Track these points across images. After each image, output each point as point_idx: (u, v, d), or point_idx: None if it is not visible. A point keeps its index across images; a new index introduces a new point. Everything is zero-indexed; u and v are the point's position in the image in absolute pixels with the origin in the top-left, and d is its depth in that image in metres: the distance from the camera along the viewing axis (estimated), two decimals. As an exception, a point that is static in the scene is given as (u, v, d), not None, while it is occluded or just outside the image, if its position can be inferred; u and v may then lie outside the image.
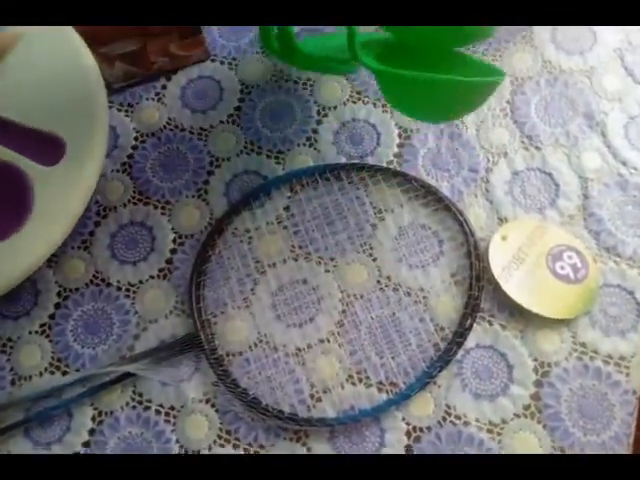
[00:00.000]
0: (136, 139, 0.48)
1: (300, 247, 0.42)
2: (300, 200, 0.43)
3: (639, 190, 0.39)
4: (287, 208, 0.43)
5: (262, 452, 0.38)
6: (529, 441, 0.36)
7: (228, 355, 0.41)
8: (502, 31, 0.45)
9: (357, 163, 0.43)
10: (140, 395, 0.41)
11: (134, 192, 0.46)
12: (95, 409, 0.41)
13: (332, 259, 0.42)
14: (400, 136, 0.44)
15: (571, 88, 0.43)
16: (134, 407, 0.41)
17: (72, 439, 0.40)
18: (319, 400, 0.39)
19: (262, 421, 0.39)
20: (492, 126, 0.43)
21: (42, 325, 0.43)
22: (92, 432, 0.40)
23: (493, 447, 0.36)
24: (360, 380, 0.39)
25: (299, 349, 0.40)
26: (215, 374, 0.40)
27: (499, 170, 0.42)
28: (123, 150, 0.48)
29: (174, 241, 0.44)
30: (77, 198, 0.41)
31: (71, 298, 0.44)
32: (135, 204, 0.46)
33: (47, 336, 0.43)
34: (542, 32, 0.44)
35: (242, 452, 0.38)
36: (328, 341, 0.40)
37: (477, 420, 0.37)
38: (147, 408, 0.40)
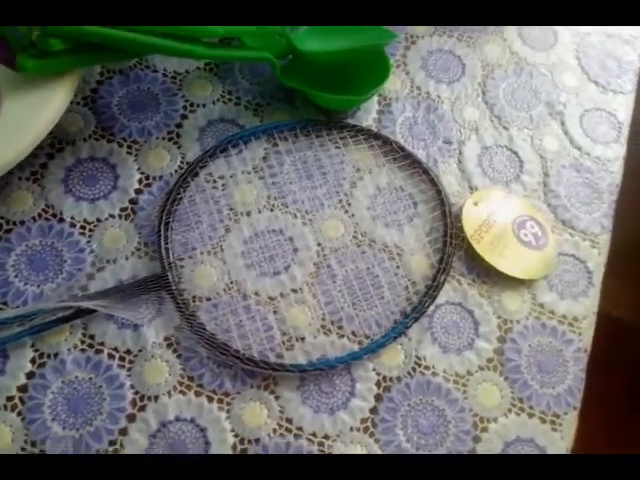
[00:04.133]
0: (102, 74, 0.45)
1: (276, 198, 0.42)
2: (279, 152, 0.43)
3: (591, 173, 0.44)
4: (265, 158, 0.43)
5: (227, 400, 0.36)
6: (491, 392, 0.38)
7: (195, 300, 0.39)
8: (475, 22, 0.48)
9: (340, 121, 0.44)
10: (92, 337, 0.37)
11: (96, 127, 0.43)
12: (36, 350, 0.37)
13: (308, 212, 0.42)
14: (380, 103, 0.45)
15: (535, 79, 0.47)
16: (83, 350, 0.37)
17: (6, 382, 0.36)
18: (290, 348, 0.38)
19: (228, 368, 0.37)
20: (465, 104, 0.45)
21: (-23, 258, 0.39)
22: (31, 375, 0.36)
23: (458, 397, 0.37)
24: (333, 330, 0.38)
25: (271, 297, 0.39)
26: (181, 317, 0.38)
27: (471, 144, 0.44)
28: (86, 83, 0.44)
29: (140, 181, 0.42)
30: (41, 118, 0.37)
31: (15, 231, 0.40)
32: (97, 140, 0.43)
33: (-17, 270, 0.38)
34: (511, 28, 0.48)
35: (205, 399, 0.36)
36: (302, 291, 0.39)
37: (444, 371, 0.38)
38: (99, 351, 0.37)
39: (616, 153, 0.44)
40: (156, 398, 0.36)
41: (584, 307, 0.40)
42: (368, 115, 0.45)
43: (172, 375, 0.37)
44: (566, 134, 0.45)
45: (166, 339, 0.38)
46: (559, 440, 0.37)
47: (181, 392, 0.37)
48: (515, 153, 0.44)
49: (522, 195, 0.43)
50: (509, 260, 0.40)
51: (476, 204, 0.41)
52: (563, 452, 0.36)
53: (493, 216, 0.41)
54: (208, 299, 0.39)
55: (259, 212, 0.41)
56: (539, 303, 0.40)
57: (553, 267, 0.40)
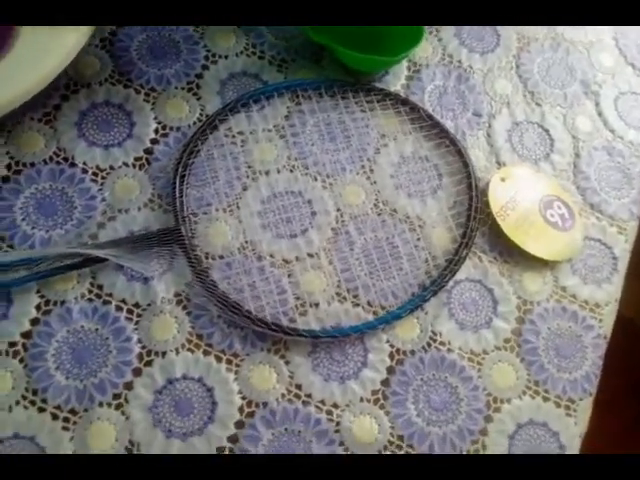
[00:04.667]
0: (122, 17, 0.43)
1: (297, 159, 0.40)
2: (302, 111, 0.41)
3: (622, 157, 0.42)
4: (287, 117, 0.41)
5: (236, 361, 0.35)
6: (507, 372, 0.37)
7: (208, 257, 0.37)
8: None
9: (367, 84, 0.42)
10: (100, 288, 0.36)
11: (113, 72, 0.41)
12: (42, 297, 0.35)
13: (329, 176, 0.40)
14: (409, 69, 0.43)
15: (571, 56, 0.45)
16: (91, 300, 0.36)
17: (9, 328, 0.35)
18: (304, 313, 0.37)
19: (239, 329, 0.36)
20: (498, 76, 0.44)
21: (-17, 198, 0.37)
22: (35, 322, 0.35)
23: (473, 375, 0.36)
24: (348, 298, 0.37)
25: (286, 260, 0.38)
26: (193, 274, 0.36)
27: (501, 118, 0.43)
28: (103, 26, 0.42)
29: (156, 131, 0.40)
30: (56, 54, 0.35)
31: (24, 173, 0.38)
32: (113, 84, 0.41)
33: (-12, 211, 0.37)
34: (550, 1, 0.47)
35: (213, 359, 0.35)
36: (318, 256, 0.38)
37: (460, 348, 0.37)
38: (107, 302, 0.36)
39: (650, 139, 0.43)
40: (163, 354, 0.35)
41: (607, 293, 0.39)
42: (397, 80, 0.43)
43: (181, 332, 0.36)
44: (600, 115, 0.43)
45: (176, 295, 0.36)
46: (573, 426, 0.36)
47: (189, 350, 0.35)
48: (546, 131, 0.43)
49: (551, 175, 0.41)
50: (534, 240, 0.38)
51: (503, 180, 0.40)
52: (576, 438, 0.36)
53: (520, 194, 0.40)
54: (221, 257, 0.37)
55: (278, 172, 0.40)
56: (561, 286, 0.39)
57: (578, 250, 0.39)
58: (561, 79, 0.44)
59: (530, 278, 0.39)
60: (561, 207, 0.40)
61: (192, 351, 0.35)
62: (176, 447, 0.33)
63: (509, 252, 0.39)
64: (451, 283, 0.38)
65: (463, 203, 0.40)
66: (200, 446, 0.34)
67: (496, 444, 0.35)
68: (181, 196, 0.38)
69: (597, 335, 0.38)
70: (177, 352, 0.35)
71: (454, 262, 0.38)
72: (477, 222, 0.39)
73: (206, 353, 0.35)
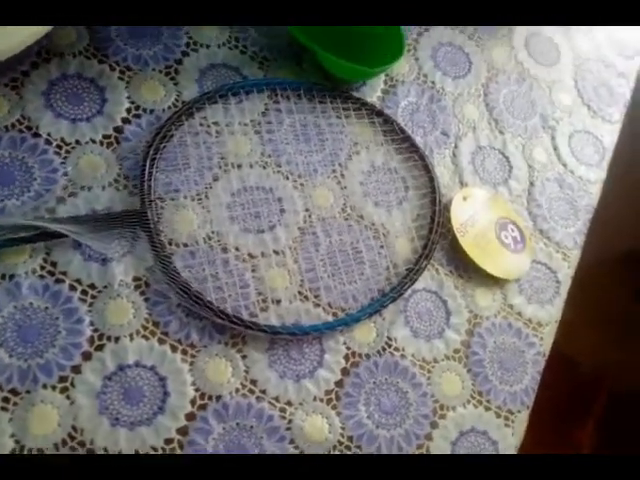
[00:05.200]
0: (102, -9, 0.42)
1: (270, 156, 0.40)
2: (280, 110, 0.42)
3: (572, 190, 0.45)
4: (264, 113, 0.41)
5: (192, 352, 0.35)
6: (454, 381, 0.38)
7: (172, 244, 0.37)
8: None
9: (344, 92, 0.43)
10: (53, 265, 0.35)
11: (89, 45, 0.40)
12: (-11, 268, 0.34)
13: (301, 176, 0.40)
14: (386, 83, 0.45)
15: (534, 91, 0.48)
16: (42, 277, 0.34)
17: (-52, 298, 0.32)
18: (265, 309, 0.37)
19: (197, 319, 0.35)
20: (467, 101, 0.46)
21: None
22: (-21, 294, 0.33)
23: (423, 382, 0.38)
24: (310, 298, 0.38)
25: (252, 255, 0.38)
26: (155, 259, 0.35)
27: (467, 140, 0.45)
28: (84, -4, 0.41)
29: (128, 111, 0.39)
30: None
31: (-18, 137, 0.36)
32: (88, 58, 0.40)
33: (-62, 172, 0.34)
34: (519, 37, 0.50)
35: (169, 348, 0.35)
36: (284, 254, 0.38)
37: (413, 355, 0.38)
38: (60, 281, 0.34)
39: (597, 176, 0.46)
40: (117, 339, 0.34)
41: (548, 314, 0.41)
42: (373, 92, 0.44)
43: (137, 318, 0.35)
44: (555, 149, 0.46)
45: (135, 279, 0.35)
46: (510, 436, 0.38)
47: (144, 337, 0.34)
48: (507, 158, 0.45)
49: (507, 199, 0.44)
50: (488, 258, 0.41)
51: (465, 199, 0.42)
52: (512, 448, 0.38)
53: (479, 214, 0.42)
54: (186, 245, 0.37)
55: (250, 167, 0.40)
56: (509, 304, 0.41)
57: (526, 272, 0.42)
58: (523, 111, 0.47)
59: (481, 294, 0.41)
60: (514, 230, 0.42)
61: (147, 338, 0.34)
62: (122, 436, 0.32)
63: (464, 267, 0.41)
64: (409, 292, 0.39)
65: (426, 217, 0.41)
66: (148, 437, 0.33)
67: (439, 449, 0.36)
68: (150, 179, 0.37)
69: (537, 352, 0.40)
70: (131, 338, 0.34)
71: (414, 271, 0.39)
72: (438, 235, 0.40)
73: (161, 341, 0.35)
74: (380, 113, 0.43)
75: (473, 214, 0.41)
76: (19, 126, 0.37)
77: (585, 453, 0.92)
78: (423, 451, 0.36)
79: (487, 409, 0.38)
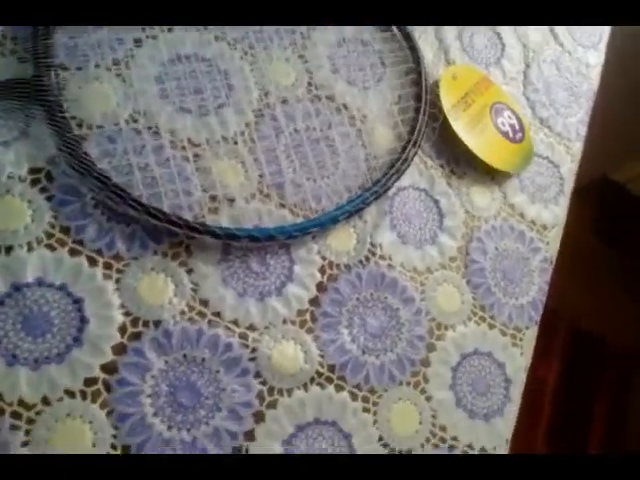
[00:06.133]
0: None
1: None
2: (222, -40, 0.32)
3: (570, 74, 0.39)
4: (202, -35, 0.32)
5: (118, 265, 0.26)
6: (452, 295, 0.31)
7: (82, 126, 0.27)
8: None
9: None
10: None
11: None
12: None
13: (252, 47, 0.31)
14: (352, -61, 0.36)
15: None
16: None
17: None
18: (214, 211, 0.28)
19: (123, 224, 0.26)
20: (449, -32, 0.38)
21: None
22: None
23: (415, 296, 0.30)
24: (272, 197, 0.29)
25: (192, 142, 0.29)
26: (59, 145, 0.26)
27: (452, 12, 0.37)
28: None
29: (12, -50, 0.29)
30: None
31: None
32: None
33: None
34: None
35: (85, 261, 0.25)
36: (235, 142, 0.29)
37: (402, 265, 0.31)
38: None
39: (596, 60, 0.40)
40: (8, 250, 0.25)
41: (553, 215, 0.35)
42: (338, -51, 0.35)
43: (36, 222, 0.25)
44: (551, 30, 0.39)
45: (32, 172, 0.26)
46: (518, 356, 0.32)
47: (49, 247, 0.25)
48: (498, 34, 0.38)
49: (501, 82, 0.37)
50: (485, 145, 0.33)
51: (455, 78, 0.34)
52: (521, 370, 0.31)
53: (471, 96, 0.34)
54: (101, 127, 0.27)
55: (185, 30, 0.30)
56: (509, 203, 0.34)
57: (527, 164, 0.35)
58: (512, -17, 0.40)
59: (478, 192, 0.34)
60: (511, 117, 0.35)
61: (53, 248, 0.25)
62: (23, 378, 0.23)
63: (456, 160, 0.33)
64: (394, 189, 0.32)
65: (409, 98, 0.33)
66: (59, 377, 0.24)
67: (438, 375, 0.30)
68: (46, 39, 0.27)
69: (544, 258, 0.34)
70: (30, 248, 0.25)
71: (400, 161, 0.31)
72: (427, 117, 0.33)
73: (74, 252, 0.25)
74: (349, -29, 0.34)
75: (465, 96, 0.34)
76: None
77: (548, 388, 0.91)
78: (420, 379, 0.29)
79: (491, 327, 0.32)
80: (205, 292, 0.27)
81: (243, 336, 0.27)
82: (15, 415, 0.23)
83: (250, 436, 0.26)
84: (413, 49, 0.34)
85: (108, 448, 0.24)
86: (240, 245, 0.28)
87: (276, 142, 0.30)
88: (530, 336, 0.32)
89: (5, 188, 0.25)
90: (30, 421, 0.23)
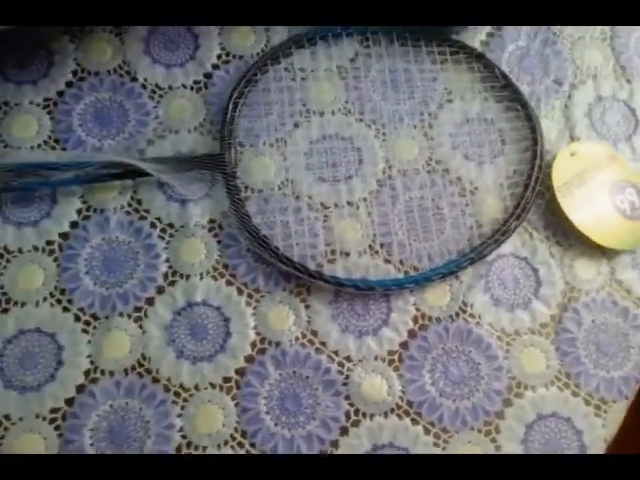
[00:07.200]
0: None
1: (354, 104, 0.39)
2: (369, 55, 0.39)
3: None
4: (353, 60, 0.39)
5: (256, 296, 0.35)
6: (537, 358, 0.34)
7: (247, 189, 0.37)
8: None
9: (442, 34, 0.39)
10: (139, 202, 0.37)
11: (187, -7, 0.41)
12: (84, 202, 0.36)
13: (385, 126, 0.38)
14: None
15: (680, 32, 0.40)
16: (128, 213, 0.36)
17: (49, 226, 0.36)
18: (332, 261, 0.36)
19: (265, 265, 0.35)
20: (588, 45, 0.40)
21: (47, 100, 0.38)
22: (74, 225, 0.36)
23: (499, 354, 0.34)
24: (381, 254, 0.36)
25: (324, 205, 0.37)
26: (230, 203, 0.36)
27: (585, 90, 0.39)
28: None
29: (219, 57, 0.40)
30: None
31: (87, 81, 0.39)
32: (185, 6, 0.41)
33: (49, 112, 0.38)
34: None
35: (235, 290, 0.35)
36: (357, 206, 0.37)
37: (490, 324, 0.35)
38: (143, 218, 0.36)
39: None
40: (188, 277, 0.35)
41: (667, 295, 0.35)
42: (476, 35, 0.40)
43: (208, 258, 0.36)
44: (698, 102, 0.38)
45: (210, 221, 0.36)
46: (600, 427, 0.33)
47: (213, 277, 0.35)
48: (632, 111, 0.38)
49: (629, 158, 0.37)
50: (597, 223, 0.35)
51: (573, 155, 0.37)
52: (600, 440, 0.33)
53: (589, 173, 0.36)
54: (260, 191, 0.37)
55: (332, 114, 0.38)
56: (617, 279, 0.35)
57: (643, 244, 0.36)
58: (662, 56, 0.39)
59: (583, 265, 0.36)
60: (633, 194, 0.36)
61: (215, 279, 0.35)
62: (185, 369, 0.34)
63: (564, 233, 0.36)
64: (493, 256, 0.35)
65: (523, 173, 0.37)
66: (208, 373, 0.34)
67: (511, 429, 0.33)
68: (231, 123, 0.37)
69: (647, 338, 0.34)
70: (201, 277, 0.35)
71: (500, 232, 0.35)
72: (534, 194, 0.36)
73: (229, 283, 0.35)
74: (480, 57, 0.39)
75: (582, 172, 0.36)
76: (120, 70, 0.39)
77: None
78: (491, 428, 0.33)
79: (575, 394, 0.34)
80: (316, 325, 0.35)
81: (340, 364, 0.34)
82: (176, 394, 0.33)
83: (335, 444, 0.33)
84: (533, 127, 0.37)
85: (232, 430, 0.33)
86: (347, 291, 0.35)
87: (391, 208, 0.37)
88: (617, 409, 0.33)
89: (192, 232, 0.36)
90: (185, 400, 0.33)
